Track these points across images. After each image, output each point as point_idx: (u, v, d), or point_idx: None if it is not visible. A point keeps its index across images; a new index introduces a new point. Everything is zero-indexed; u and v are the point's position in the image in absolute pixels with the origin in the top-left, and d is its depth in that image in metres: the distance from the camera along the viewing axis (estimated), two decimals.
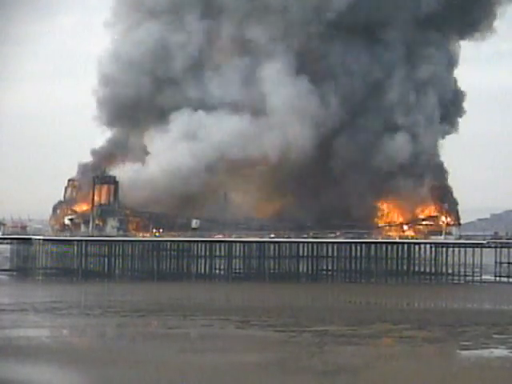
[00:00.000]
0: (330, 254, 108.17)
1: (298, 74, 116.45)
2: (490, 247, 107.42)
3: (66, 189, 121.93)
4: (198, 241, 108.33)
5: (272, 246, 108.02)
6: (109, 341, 55.61)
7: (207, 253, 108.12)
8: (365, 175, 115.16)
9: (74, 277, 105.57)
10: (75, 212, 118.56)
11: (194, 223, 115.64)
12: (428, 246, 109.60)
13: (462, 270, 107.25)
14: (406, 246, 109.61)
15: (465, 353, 49.02)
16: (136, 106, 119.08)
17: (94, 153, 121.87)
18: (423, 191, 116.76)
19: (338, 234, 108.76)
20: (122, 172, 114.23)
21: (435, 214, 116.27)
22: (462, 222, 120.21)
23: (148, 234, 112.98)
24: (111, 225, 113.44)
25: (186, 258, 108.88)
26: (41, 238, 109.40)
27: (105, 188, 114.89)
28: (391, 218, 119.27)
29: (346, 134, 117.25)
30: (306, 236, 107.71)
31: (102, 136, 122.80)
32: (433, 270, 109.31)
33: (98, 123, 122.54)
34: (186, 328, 59.17)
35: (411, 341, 53.17)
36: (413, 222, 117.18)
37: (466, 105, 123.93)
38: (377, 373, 42.69)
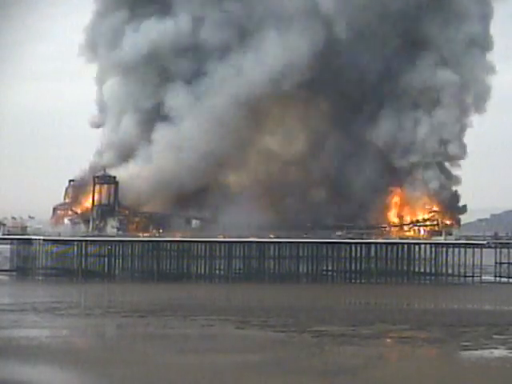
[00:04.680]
0: (329, 254, 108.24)
1: None
2: (490, 247, 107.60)
3: (66, 189, 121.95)
4: (197, 241, 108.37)
5: (272, 247, 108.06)
6: (109, 341, 55.63)
7: (207, 253, 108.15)
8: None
9: (74, 277, 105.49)
10: (75, 212, 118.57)
11: (194, 223, 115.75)
12: (428, 246, 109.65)
13: (462, 270, 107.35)
14: (406, 246, 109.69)
15: (465, 353, 49.02)
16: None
17: (94, 153, 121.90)
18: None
19: (341, 233, 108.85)
20: (122, 172, 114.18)
21: (435, 214, 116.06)
22: (461, 222, 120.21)
23: (148, 234, 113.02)
24: (111, 225, 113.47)
25: (186, 258, 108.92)
26: (41, 238, 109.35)
27: (105, 188, 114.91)
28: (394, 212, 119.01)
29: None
30: (305, 236, 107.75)
31: (102, 136, 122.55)
32: (433, 270, 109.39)
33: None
34: (185, 328, 59.19)
35: (411, 341, 53.19)
36: (413, 222, 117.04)
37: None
38: (377, 373, 42.69)
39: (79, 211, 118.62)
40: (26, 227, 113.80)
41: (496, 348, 50.15)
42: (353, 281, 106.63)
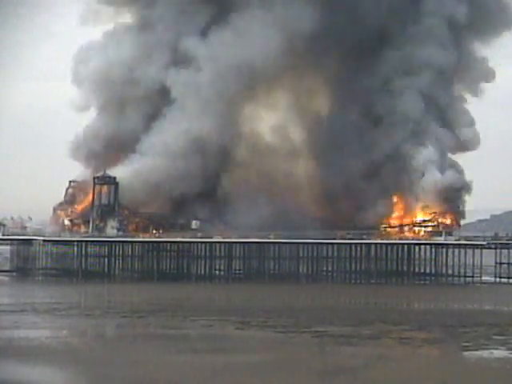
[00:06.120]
0: (329, 254, 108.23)
1: None
2: (490, 248, 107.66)
3: (66, 189, 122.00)
4: (197, 241, 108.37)
5: (272, 247, 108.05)
6: (109, 341, 55.62)
7: (207, 253, 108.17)
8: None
9: (74, 277, 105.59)
10: (75, 212, 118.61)
11: (194, 224, 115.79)
12: (428, 246, 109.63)
13: (462, 270, 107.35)
14: (405, 246, 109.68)
15: (465, 354, 49.02)
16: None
17: (94, 153, 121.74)
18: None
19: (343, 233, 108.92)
20: (122, 172, 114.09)
21: (435, 215, 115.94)
22: (462, 222, 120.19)
23: (148, 235, 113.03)
24: (111, 225, 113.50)
25: (186, 258, 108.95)
26: (41, 238, 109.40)
27: (105, 188, 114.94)
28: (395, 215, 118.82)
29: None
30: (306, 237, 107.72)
31: (102, 136, 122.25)
32: (433, 270, 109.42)
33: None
34: (185, 328, 59.20)
35: (411, 341, 53.18)
36: (413, 223, 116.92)
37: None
38: (377, 373, 42.67)
39: (79, 212, 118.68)
40: (26, 228, 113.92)
41: (496, 348, 50.12)
42: (353, 281, 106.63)
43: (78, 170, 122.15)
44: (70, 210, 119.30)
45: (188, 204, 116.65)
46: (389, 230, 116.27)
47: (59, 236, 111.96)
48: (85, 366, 43.59)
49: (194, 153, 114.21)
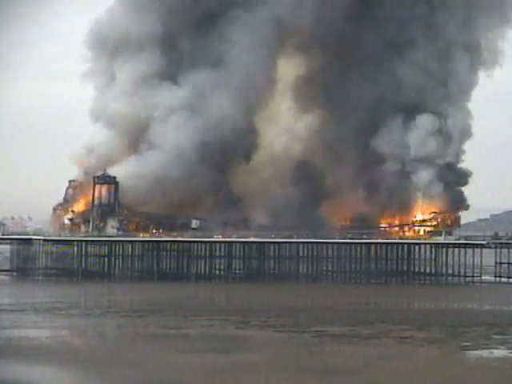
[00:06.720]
0: (329, 254, 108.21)
1: None
2: (490, 248, 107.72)
3: (66, 189, 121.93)
4: (197, 241, 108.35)
5: (272, 247, 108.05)
6: (109, 341, 55.62)
7: (207, 253, 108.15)
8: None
9: (74, 277, 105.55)
10: (75, 212, 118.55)
11: (194, 223, 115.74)
12: (428, 246, 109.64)
13: (462, 270, 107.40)
14: (405, 246, 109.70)
15: (465, 353, 49.03)
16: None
17: (94, 152, 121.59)
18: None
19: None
20: (122, 171, 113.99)
21: (435, 214, 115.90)
22: (462, 222, 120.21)
23: (148, 234, 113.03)
24: (111, 225, 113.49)
25: (186, 258, 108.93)
26: (41, 238, 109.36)
27: (105, 188, 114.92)
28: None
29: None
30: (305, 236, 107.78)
31: (101, 136, 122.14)
32: (433, 270, 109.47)
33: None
34: (185, 328, 59.19)
35: (411, 341, 53.19)
36: (413, 222, 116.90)
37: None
38: (377, 373, 42.67)
39: (79, 211, 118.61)
40: (26, 227, 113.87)
41: (496, 348, 50.16)
42: (353, 281, 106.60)
43: (78, 170, 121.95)
44: (70, 209, 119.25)
45: (189, 203, 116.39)
46: (389, 229, 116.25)
47: (59, 236, 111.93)
48: (85, 365, 43.59)
49: (199, 149, 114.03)
